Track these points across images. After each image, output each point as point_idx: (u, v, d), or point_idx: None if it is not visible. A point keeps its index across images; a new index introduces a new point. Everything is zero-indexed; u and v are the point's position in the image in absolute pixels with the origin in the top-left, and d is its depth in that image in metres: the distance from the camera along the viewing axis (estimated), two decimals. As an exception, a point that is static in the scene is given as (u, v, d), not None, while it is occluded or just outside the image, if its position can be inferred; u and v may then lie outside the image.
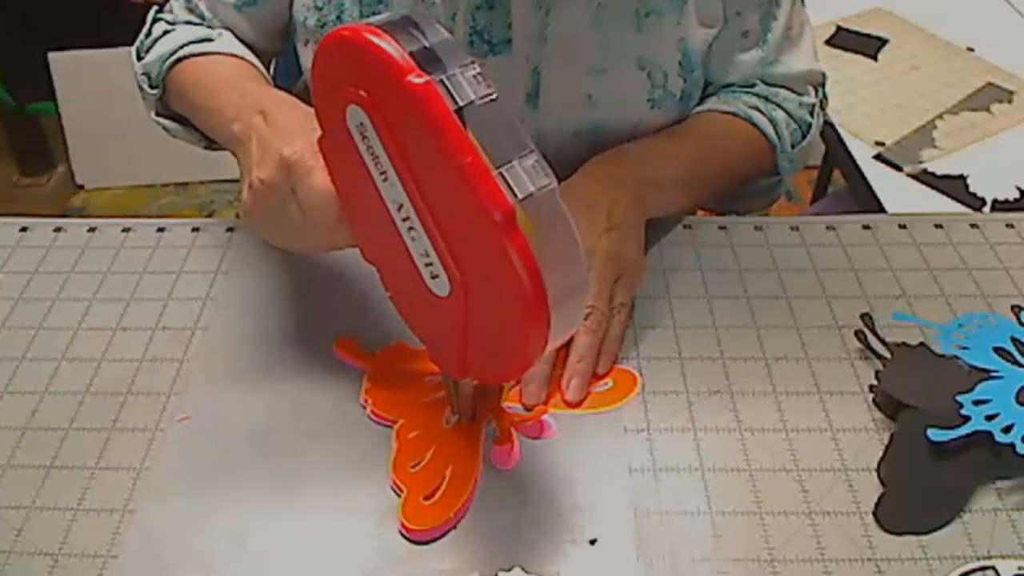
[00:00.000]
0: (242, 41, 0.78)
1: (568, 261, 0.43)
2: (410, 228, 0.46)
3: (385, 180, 0.46)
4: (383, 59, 0.41)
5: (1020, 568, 0.50)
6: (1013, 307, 0.66)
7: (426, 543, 0.52)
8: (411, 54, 0.41)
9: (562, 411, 0.60)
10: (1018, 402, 0.56)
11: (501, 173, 0.40)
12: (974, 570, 0.50)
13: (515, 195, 0.40)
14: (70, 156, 2.21)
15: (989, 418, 0.55)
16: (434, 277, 0.46)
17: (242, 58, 0.74)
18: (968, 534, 0.52)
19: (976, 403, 0.56)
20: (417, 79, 0.40)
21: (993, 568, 0.50)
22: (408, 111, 0.41)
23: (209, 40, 0.75)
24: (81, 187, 2.24)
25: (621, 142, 0.75)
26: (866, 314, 0.65)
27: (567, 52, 0.72)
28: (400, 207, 0.46)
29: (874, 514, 0.53)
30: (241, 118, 0.60)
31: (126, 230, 0.76)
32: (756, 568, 0.51)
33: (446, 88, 0.41)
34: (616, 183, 0.69)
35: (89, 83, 2.08)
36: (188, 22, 0.78)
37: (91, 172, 2.23)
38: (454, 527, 0.53)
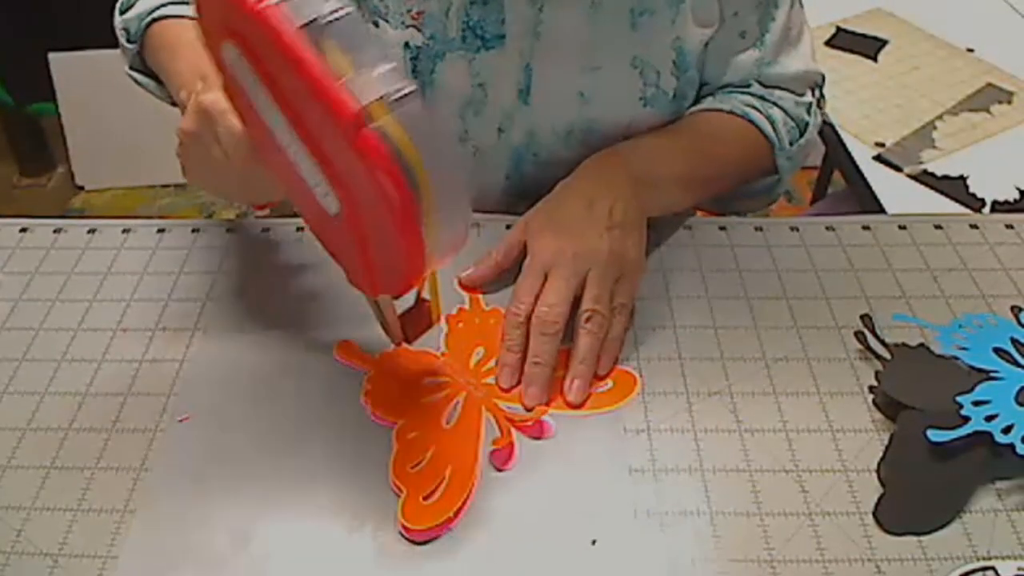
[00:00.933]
0: None
1: (445, 163, 0.45)
2: (295, 152, 0.49)
3: (267, 110, 0.49)
4: None
5: (1020, 568, 0.50)
6: (1013, 307, 0.66)
7: (426, 543, 0.52)
8: None
9: (562, 412, 0.60)
10: (1018, 403, 0.56)
11: (346, 81, 0.43)
12: (974, 570, 0.50)
13: (359, 100, 0.42)
14: (70, 156, 2.21)
15: (989, 418, 0.55)
16: (325, 196, 0.49)
17: None
18: (968, 534, 0.52)
19: (976, 404, 0.56)
20: (261, 4, 0.43)
21: (993, 568, 0.50)
22: (260, 36, 0.44)
23: (185, 3, 0.76)
24: (81, 188, 2.24)
25: (614, 140, 0.75)
26: (866, 315, 0.65)
27: (560, 49, 0.72)
28: (284, 134, 0.48)
29: (874, 514, 0.53)
30: (187, 85, 0.62)
31: (126, 231, 0.76)
32: (756, 568, 0.51)
33: (290, 8, 0.43)
34: (616, 182, 0.69)
35: (89, 83, 2.08)
36: None
37: (91, 172, 2.23)
38: (453, 526, 0.53)
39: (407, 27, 0.71)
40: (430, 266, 0.49)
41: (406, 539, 0.52)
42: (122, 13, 0.80)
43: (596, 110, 0.75)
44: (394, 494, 0.55)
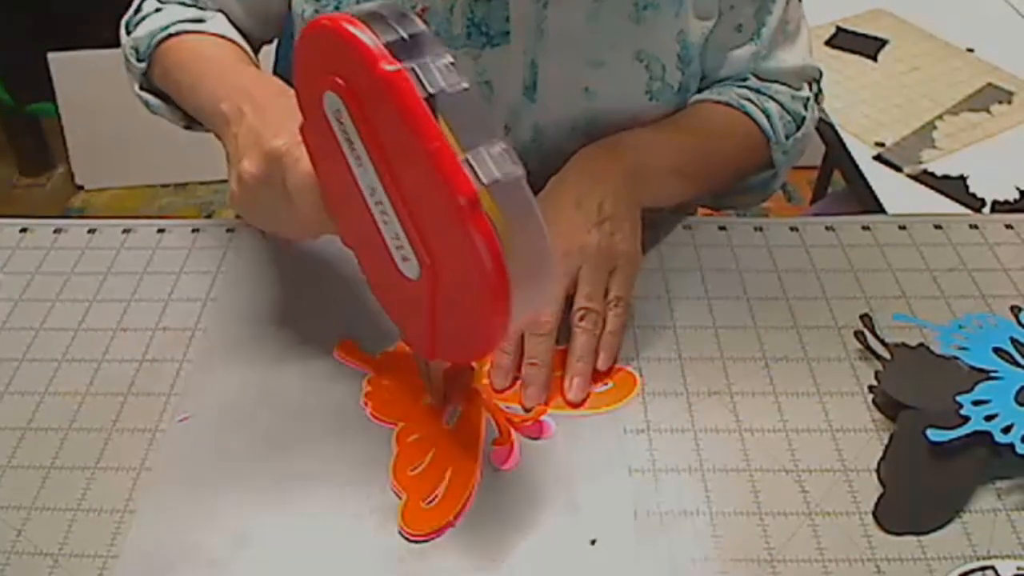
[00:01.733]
0: (234, 25, 0.78)
1: (535, 249, 0.45)
2: (382, 212, 0.47)
3: (359, 165, 0.47)
4: (358, 47, 0.43)
5: (1020, 568, 0.50)
6: (1012, 307, 0.66)
7: (425, 541, 0.52)
8: (386, 43, 0.43)
9: (561, 411, 0.60)
10: (1017, 402, 0.56)
11: (467, 159, 0.42)
12: (974, 570, 0.50)
13: (480, 181, 0.42)
14: (70, 156, 2.21)
15: (988, 418, 0.55)
16: (405, 260, 0.48)
17: (232, 41, 0.74)
18: (968, 534, 0.52)
19: (976, 403, 0.56)
20: (389, 66, 0.42)
21: (993, 568, 0.50)
22: (381, 97, 0.43)
23: (201, 21, 0.75)
24: (81, 187, 2.24)
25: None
26: (866, 315, 0.65)
27: (565, 44, 0.73)
28: (373, 191, 0.47)
29: (874, 514, 0.53)
30: (230, 99, 0.61)
31: (126, 231, 0.76)
32: (756, 568, 0.51)
33: (417, 76, 0.42)
34: (606, 175, 0.68)
35: (89, 83, 2.08)
36: (181, 2, 0.78)
37: (91, 172, 2.23)
38: (453, 527, 0.53)
39: None
40: (503, 341, 0.48)
41: (406, 539, 0.52)
42: (129, 32, 0.78)
43: (602, 104, 0.75)
44: (394, 495, 0.55)
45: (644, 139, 0.74)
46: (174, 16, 0.75)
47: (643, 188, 0.70)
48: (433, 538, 0.52)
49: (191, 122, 0.77)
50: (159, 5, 0.78)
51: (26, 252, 0.74)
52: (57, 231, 0.76)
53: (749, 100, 0.79)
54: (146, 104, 0.79)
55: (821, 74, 0.85)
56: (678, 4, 0.73)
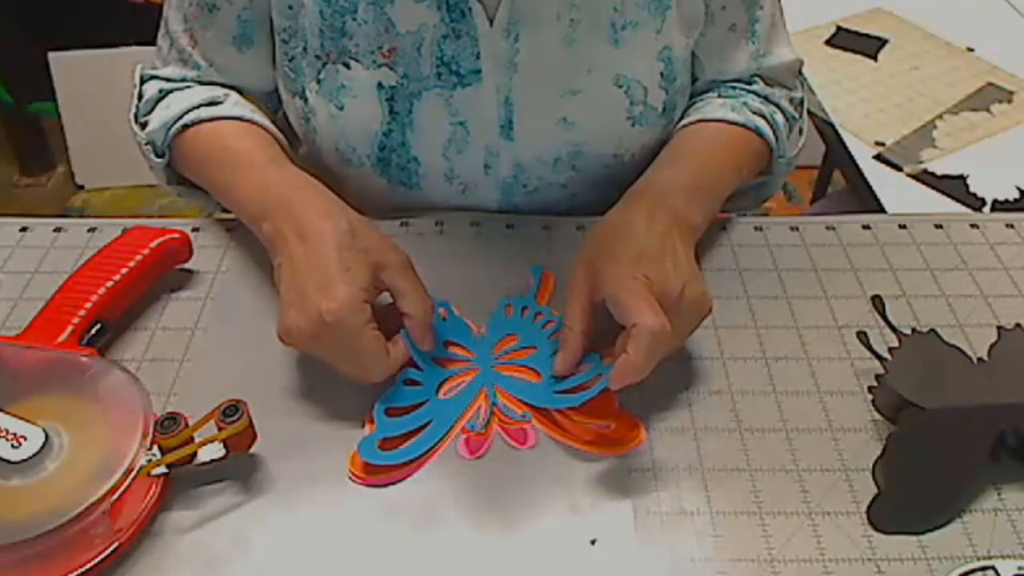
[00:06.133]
0: (248, 93, 0.75)
1: None
2: None
3: None
4: None
5: (1020, 568, 0.50)
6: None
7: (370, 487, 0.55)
8: None
9: (554, 436, 0.58)
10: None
11: None
12: (974, 570, 0.50)
13: None
14: (70, 156, 2.21)
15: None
16: None
17: (252, 122, 0.72)
18: (968, 534, 0.52)
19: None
20: None
21: (993, 568, 0.50)
22: None
23: (216, 103, 0.72)
24: (81, 187, 2.24)
25: (603, 164, 0.73)
26: (877, 296, 0.64)
27: (538, 77, 0.70)
28: None
29: (867, 514, 0.53)
30: (270, 217, 0.62)
31: (126, 230, 0.76)
32: (756, 568, 0.51)
33: None
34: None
35: (89, 83, 2.08)
36: (184, 79, 0.75)
37: (91, 172, 2.23)
38: (394, 483, 0.55)
39: (379, 66, 0.69)
40: None
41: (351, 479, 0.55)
42: (141, 124, 0.75)
43: (581, 134, 0.72)
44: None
45: (675, 181, 0.68)
46: (186, 102, 0.72)
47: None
48: (374, 484, 0.55)
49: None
50: (163, 86, 0.75)
51: (26, 251, 0.74)
52: (57, 230, 0.76)
53: (760, 115, 0.75)
54: (178, 196, 0.76)
55: (802, 64, 0.82)
56: (660, 19, 0.70)
